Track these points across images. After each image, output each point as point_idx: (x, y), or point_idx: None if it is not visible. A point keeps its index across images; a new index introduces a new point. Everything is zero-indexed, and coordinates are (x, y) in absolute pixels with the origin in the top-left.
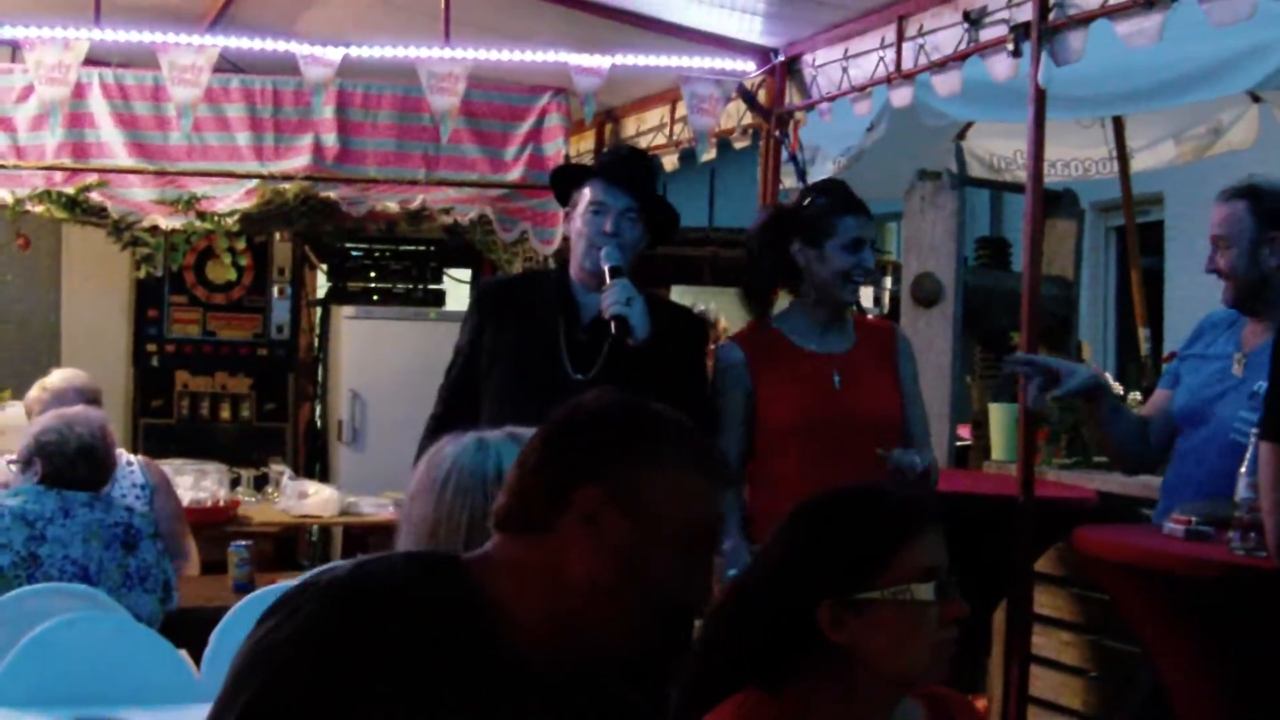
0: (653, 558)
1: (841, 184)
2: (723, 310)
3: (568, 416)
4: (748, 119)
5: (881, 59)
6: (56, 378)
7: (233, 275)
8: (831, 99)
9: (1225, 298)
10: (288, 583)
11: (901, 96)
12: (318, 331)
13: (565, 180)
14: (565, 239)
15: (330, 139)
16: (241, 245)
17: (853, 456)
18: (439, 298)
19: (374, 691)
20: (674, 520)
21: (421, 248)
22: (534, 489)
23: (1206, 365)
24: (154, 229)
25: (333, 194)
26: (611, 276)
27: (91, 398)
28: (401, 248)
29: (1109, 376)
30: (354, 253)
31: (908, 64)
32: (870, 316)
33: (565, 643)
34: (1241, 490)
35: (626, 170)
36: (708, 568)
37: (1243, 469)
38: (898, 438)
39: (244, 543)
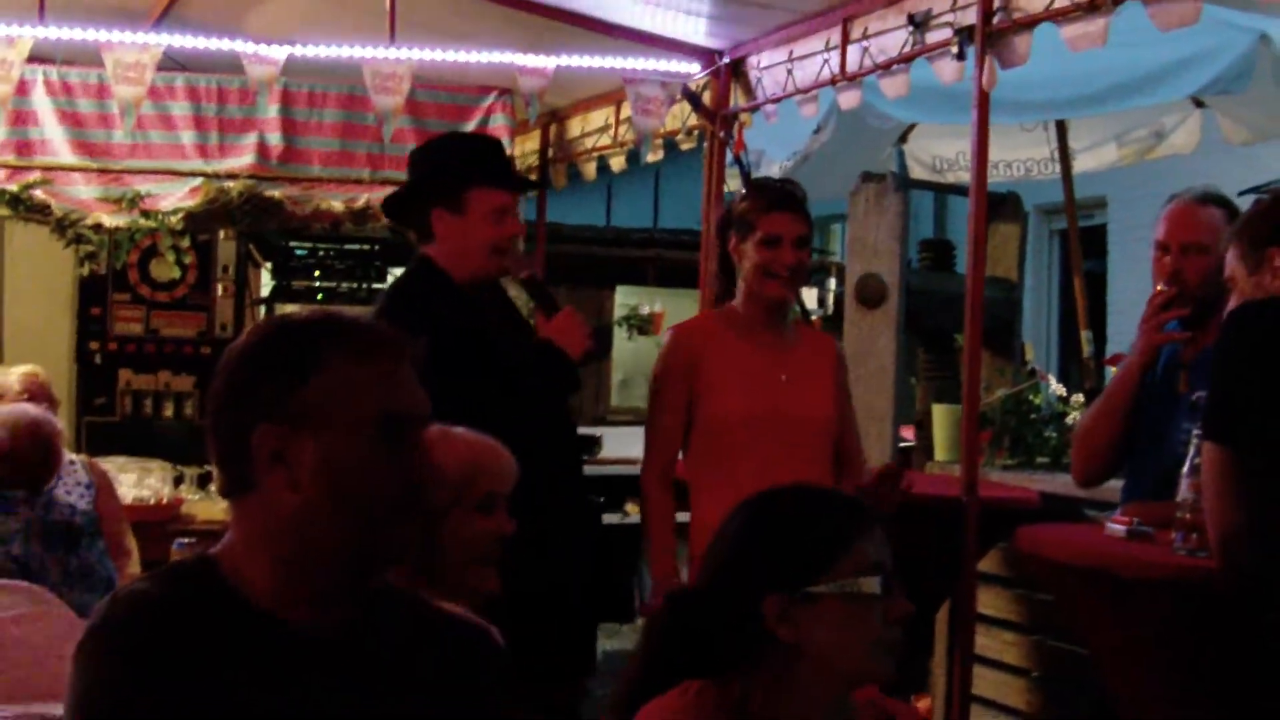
0: (349, 461)
1: (777, 183)
2: (666, 309)
3: (220, 370)
4: (693, 120)
5: (826, 61)
6: (14, 377)
7: (176, 273)
8: (777, 101)
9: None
10: None
11: (849, 99)
12: None
13: (454, 175)
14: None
15: (275, 138)
16: (185, 244)
17: (800, 455)
18: None
19: (161, 708)
20: (354, 417)
21: (366, 247)
22: (221, 452)
23: (1157, 381)
24: (98, 227)
25: (277, 193)
26: (531, 283)
27: (47, 397)
28: (346, 247)
29: (1052, 379)
30: (298, 251)
31: (853, 67)
32: (810, 321)
33: (313, 581)
34: (1183, 491)
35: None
36: (409, 448)
37: (1184, 470)
38: (831, 444)
39: (187, 541)
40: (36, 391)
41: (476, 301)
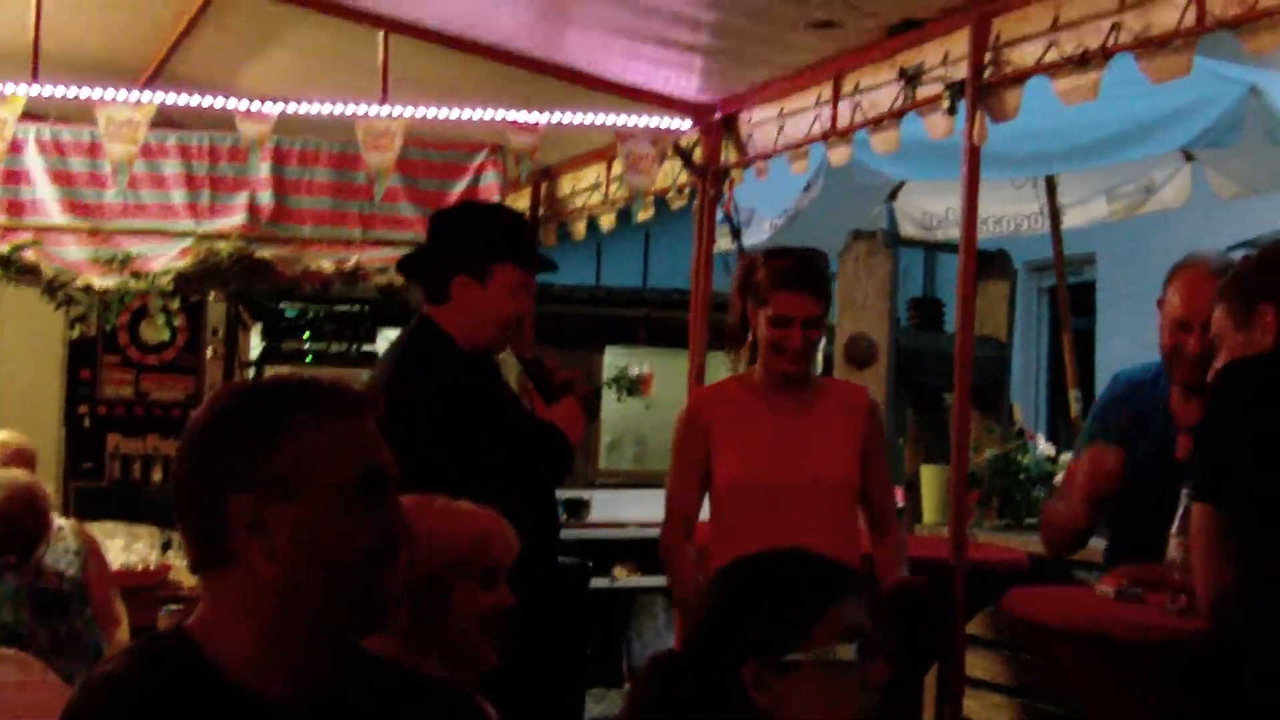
0: (330, 525)
1: (796, 256)
2: (656, 370)
3: (185, 442)
4: (683, 178)
5: (817, 117)
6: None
7: (166, 335)
8: (767, 156)
9: (1192, 380)
10: None
11: (839, 155)
12: None
13: (486, 247)
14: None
15: (266, 197)
16: (175, 305)
17: (814, 520)
18: (373, 358)
19: None
20: (332, 479)
21: (355, 308)
22: (195, 525)
23: (1143, 444)
24: (88, 288)
25: (267, 253)
26: (535, 367)
27: (26, 459)
28: (336, 308)
29: (1041, 438)
30: (288, 313)
31: (843, 122)
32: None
33: (295, 651)
34: (1171, 551)
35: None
36: (383, 503)
37: (1173, 529)
38: (852, 503)
39: (175, 607)
40: (12, 458)
41: (481, 366)
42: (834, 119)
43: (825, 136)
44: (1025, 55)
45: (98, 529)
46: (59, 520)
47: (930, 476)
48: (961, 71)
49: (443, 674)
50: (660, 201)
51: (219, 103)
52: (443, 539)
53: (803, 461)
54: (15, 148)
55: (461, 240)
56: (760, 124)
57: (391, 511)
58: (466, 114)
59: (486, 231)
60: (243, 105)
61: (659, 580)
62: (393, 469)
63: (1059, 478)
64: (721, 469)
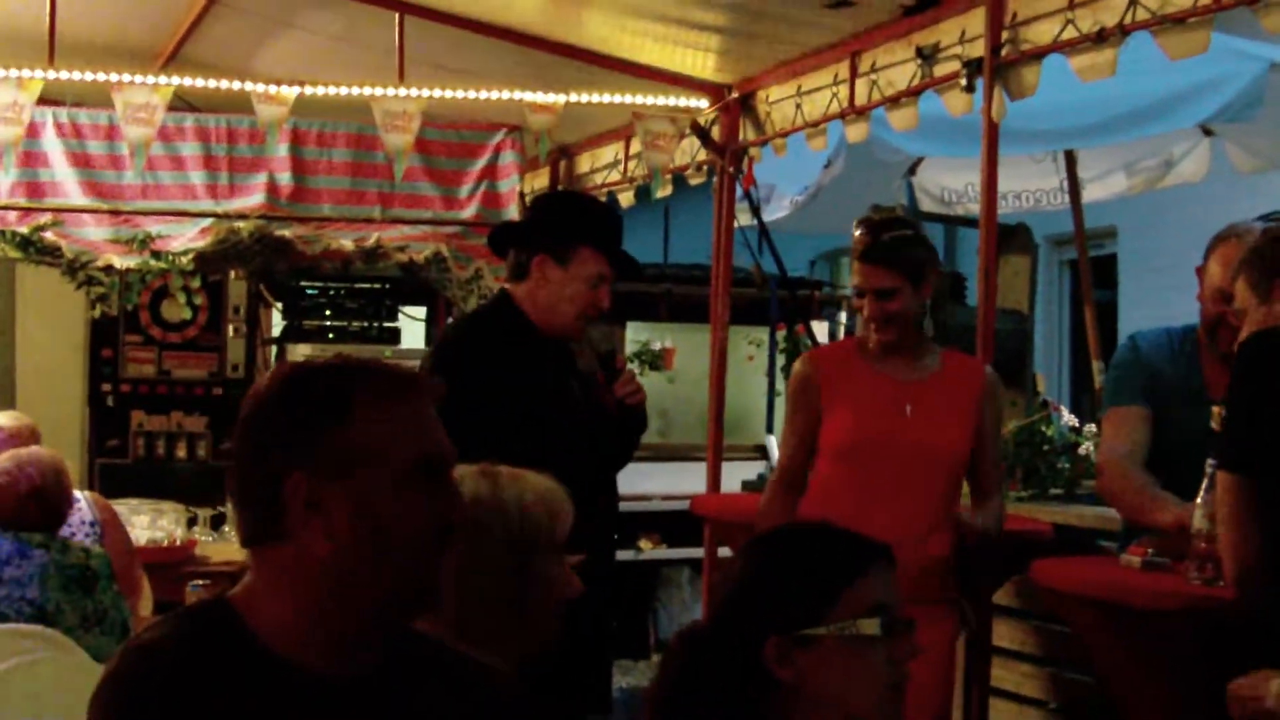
0: (389, 508)
1: (881, 225)
2: (678, 345)
3: (245, 418)
4: (702, 155)
5: (835, 95)
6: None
7: (188, 314)
8: (785, 134)
9: (1226, 346)
10: None
11: (857, 132)
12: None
13: (573, 227)
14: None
15: (285, 177)
16: (196, 284)
17: (910, 486)
18: (394, 335)
19: None
20: (391, 462)
21: (376, 286)
22: (249, 501)
23: (1174, 413)
24: (109, 268)
25: (287, 232)
26: (607, 360)
27: (35, 439)
28: (356, 286)
29: (1064, 410)
30: (309, 291)
31: (861, 100)
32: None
33: (343, 629)
34: (1197, 520)
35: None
36: (441, 486)
37: (1198, 499)
38: (961, 475)
39: (201, 582)
40: (7, 441)
41: (543, 347)
42: (851, 97)
43: (843, 114)
44: (1042, 33)
45: (123, 505)
46: (76, 492)
47: None
48: (978, 49)
49: (510, 652)
50: (679, 178)
51: (236, 85)
52: (525, 511)
53: (909, 428)
54: (33, 131)
55: (550, 219)
56: (778, 102)
57: (448, 495)
58: (483, 94)
59: (575, 214)
60: (259, 88)
61: (685, 552)
62: (450, 453)
63: (1084, 448)
64: (825, 430)
